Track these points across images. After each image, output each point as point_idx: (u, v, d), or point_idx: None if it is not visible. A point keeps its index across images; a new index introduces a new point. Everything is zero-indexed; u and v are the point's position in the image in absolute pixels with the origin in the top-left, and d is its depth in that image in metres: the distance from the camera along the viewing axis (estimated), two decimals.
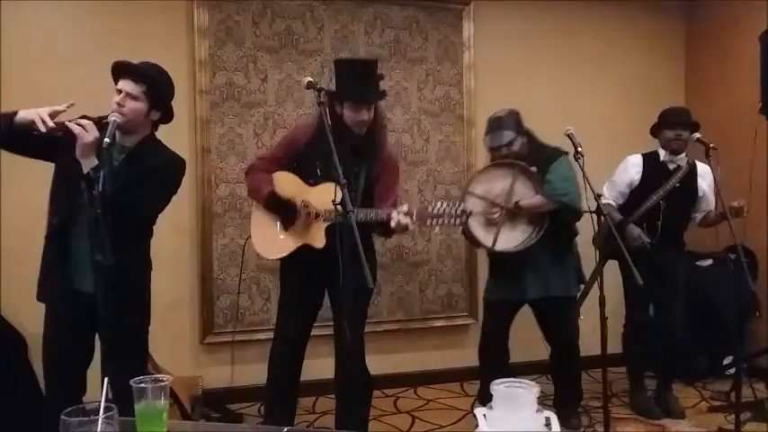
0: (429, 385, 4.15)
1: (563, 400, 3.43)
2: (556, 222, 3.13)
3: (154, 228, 2.48)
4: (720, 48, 4.53)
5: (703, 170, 3.50)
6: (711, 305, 4.10)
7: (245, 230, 3.34)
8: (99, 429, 1.10)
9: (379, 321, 4.07)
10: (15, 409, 2.99)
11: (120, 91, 2.28)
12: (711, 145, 3.15)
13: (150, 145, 2.38)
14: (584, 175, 2.72)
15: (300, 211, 2.67)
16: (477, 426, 1.23)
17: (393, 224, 2.51)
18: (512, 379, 1.25)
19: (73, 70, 3.48)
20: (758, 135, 3.74)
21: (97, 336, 2.15)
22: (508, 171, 3.13)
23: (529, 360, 3.79)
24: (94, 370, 2.05)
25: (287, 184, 2.73)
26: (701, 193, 3.52)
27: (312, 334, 2.88)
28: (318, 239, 2.63)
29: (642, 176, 3.52)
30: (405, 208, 2.53)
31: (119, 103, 2.25)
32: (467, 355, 3.72)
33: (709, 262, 4.22)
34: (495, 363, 3.32)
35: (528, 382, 1.23)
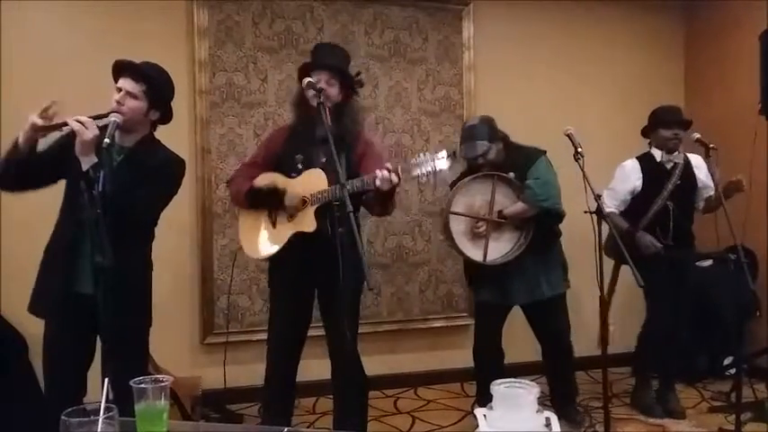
0: (429, 386, 4.15)
1: (561, 397, 3.43)
2: (538, 226, 3.13)
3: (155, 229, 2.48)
4: (720, 48, 4.54)
5: (696, 161, 3.53)
6: (711, 305, 4.10)
7: None
8: (99, 430, 1.10)
9: (380, 322, 4.07)
10: (15, 409, 3.00)
11: (119, 89, 2.28)
12: (711, 145, 3.15)
13: (149, 145, 2.38)
14: (583, 176, 2.72)
15: (286, 194, 2.63)
16: (477, 426, 1.23)
17: (378, 182, 2.47)
18: (512, 379, 1.25)
19: (72, 70, 3.49)
20: (758, 135, 3.74)
21: (98, 337, 2.15)
22: (487, 182, 3.12)
23: (527, 360, 3.78)
24: (95, 371, 2.05)
25: (267, 180, 2.71)
26: (700, 184, 3.53)
27: (312, 334, 2.88)
28: (309, 224, 2.61)
29: (643, 181, 3.51)
30: (388, 165, 2.52)
31: (118, 102, 2.25)
32: (467, 356, 3.71)
33: (709, 262, 4.21)
34: (491, 363, 3.31)
35: (528, 382, 1.23)
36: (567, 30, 4.52)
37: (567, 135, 2.79)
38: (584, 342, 3.44)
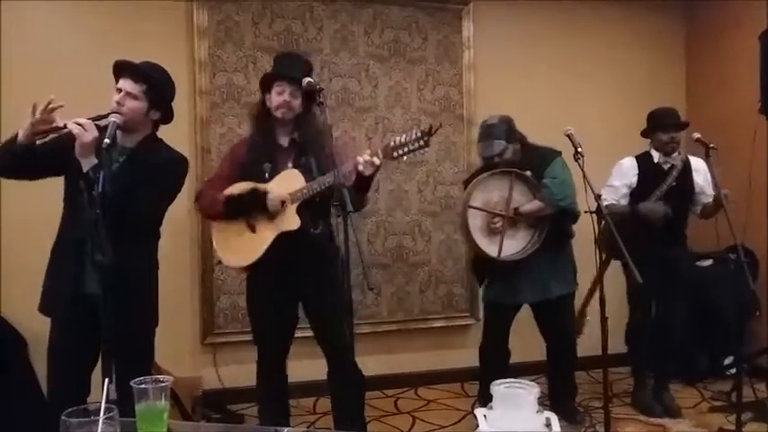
0: (429, 386, 4.15)
1: (561, 397, 3.44)
2: (554, 225, 3.14)
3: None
4: (720, 47, 4.53)
5: (697, 164, 3.52)
6: (712, 305, 4.10)
7: None
8: (99, 430, 1.10)
9: (380, 322, 4.07)
10: (15, 408, 3.00)
11: (119, 90, 2.28)
12: (711, 145, 3.15)
13: (151, 145, 2.38)
14: (583, 176, 2.72)
15: (266, 195, 2.60)
16: (477, 426, 1.23)
17: (361, 167, 2.50)
18: (512, 379, 1.25)
19: (72, 70, 3.48)
20: (758, 135, 3.74)
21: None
22: (504, 179, 3.14)
23: (528, 360, 3.79)
24: (99, 371, 2.05)
25: (240, 188, 2.68)
26: (697, 189, 3.52)
27: (311, 334, 2.88)
28: (292, 222, 2.61)
29: (638, 179, 3.53)
30: (366, 154, 2.54)
31: (118, 102, 2.25)
32: (467, 356, 3.72)
33: (709, 262, 4.22)
34: (496, 363, 3.32)
35: (528, 382, 1.23)
36: (568, 29, 4.51)
37: (568, 135, 2.79)
38: (584, 342, 3.43)
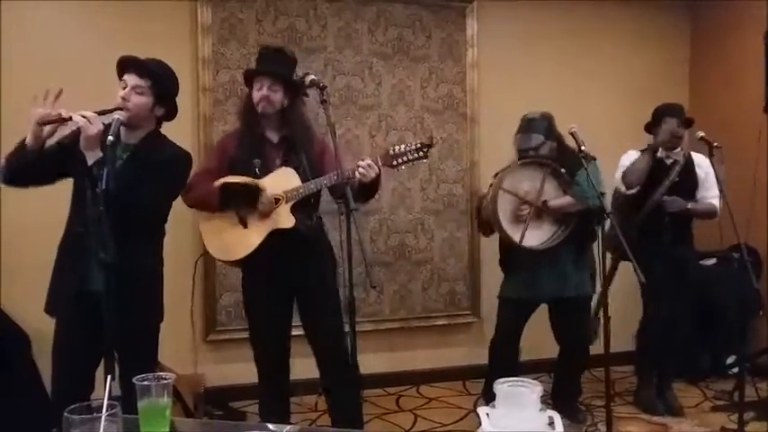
0: (431, 384, 4.15)
1: (565, 395, 3.44)
2: (579, 225, 3.15)
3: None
4: (725, 46, 4.52)
5: (699, 159, 3.52)
6: (715, 304, 4.09)
7: None
8: (102, 427, 1.10)
9: (382, 320, 4.07)
10: (19, 406, 3.00)
11: (124, 86, 2.28)
12: (716, 144, 3.14)
13: (155, 141, 2.38)
14: (587, 175, 2.72)
15: (261, 192, 2.60)
16: (479, 424, 1.23)
17: (359, 175, 2.52)
18: (515, 378, 1.25)
19: (75, 69, 3.47)
20: (762, 134, 3.73)
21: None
22: (539, 170, 3.16)
23: (531, 359, 3.79)
24: (103, 368, 2.05)
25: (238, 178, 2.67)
26: (700, 184, 3.52)
27: None
28: (287, 220, 2.61)
29: None
30: (367, 159, 2.56)
31: (124, 98, 2.25)
32: (469, 354, 3.72)
33: (712, 261, 4.21)
34: (506, 360, 3.33)
35: (531, 381, 1.23)
36: (571, 28, 4.50)
37: (571, 133, 2.79)
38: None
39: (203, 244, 2.79)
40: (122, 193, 2.04)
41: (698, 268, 3.92)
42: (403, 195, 4.12)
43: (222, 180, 2.63)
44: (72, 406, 1.13)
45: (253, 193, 2.61)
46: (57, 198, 2.33)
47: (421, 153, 2.61)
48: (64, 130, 2.22)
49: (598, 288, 3.34)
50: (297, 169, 2.66)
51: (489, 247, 4.08)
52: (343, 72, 4.00)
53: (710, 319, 4.09)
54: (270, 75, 2.68)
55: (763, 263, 4.10)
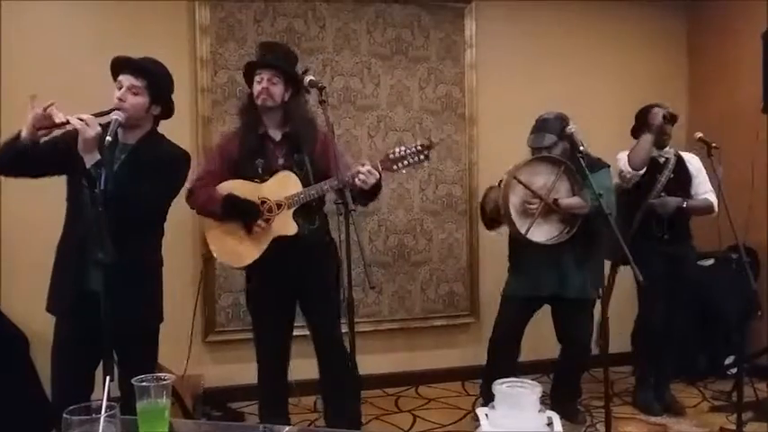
0: (430, 384, 4.15)
1: (564, 396, 3.44)
2: (585, 228, 3.16)
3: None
4: (722, 47, 4.52)
5: (688, 157, 3.56)
6: (713, 305, 4.10)
7: None
8: (101, 428, 1.10)
9: (381, 320, 4.07)
10: (17, 406, 3.00)
11: (120, 86, 2.27)
12: (714, 144, 3.15)
13: (153, 141, 2.37)
14: (586, 175, 2.72)
15: (262, 209, 2.63)
16: (477, 425, 1.23)
17: (359, 181, 2.52)
18: (514, 379, 1.25)
19: (74, 69, 3.48)
20: (760, 134, 3.74)
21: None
22: (553, 167, 3.16)
23: (530, 359, 3.79)
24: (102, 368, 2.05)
25: (237, 189, 2.68)
26: (693, 180, 3.54)
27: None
28: (290, 227, 2.62)
29: None
30: (367, 164, 2.56)
31: (120, 99, 2.24)
32: (468, 354, 3.72)
33: (710, 261, 4.21)
34: (504, 360, 3.32)
35: (530, 381, 1.23)
36: (570, 28, 4.50)
37: (570, 134, 2.79)
38: None
39: (205, 245, 2.79)
40: (121, 193, 2.04)
41: (696, 266, 3.92)
42: (402, 196, 4.12)
43: (222, 190, 2.65)
44: (71, 407, 1.12)
45: (254, 211, 2.62)
46: (56, 200, 2.33)
47: (422, 156, 2.61)
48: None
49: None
50: (300, 169, 2.65)
51: (488, 248, 4.09)
52: (341, 73, 4.00)
53: (709, 320, 4.09)
54: (270, 66, 2.67)
55: (761, 264, 4.11)
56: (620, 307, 3.64)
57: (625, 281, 3.40)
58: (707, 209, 3.49)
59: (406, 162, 2.60)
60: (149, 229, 2.37)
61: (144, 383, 1.26)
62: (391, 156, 2.61)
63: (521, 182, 3.12)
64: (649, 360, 3.67)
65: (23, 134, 2.10)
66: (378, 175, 2.56)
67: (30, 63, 3.46)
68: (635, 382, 3.77)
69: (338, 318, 2.79)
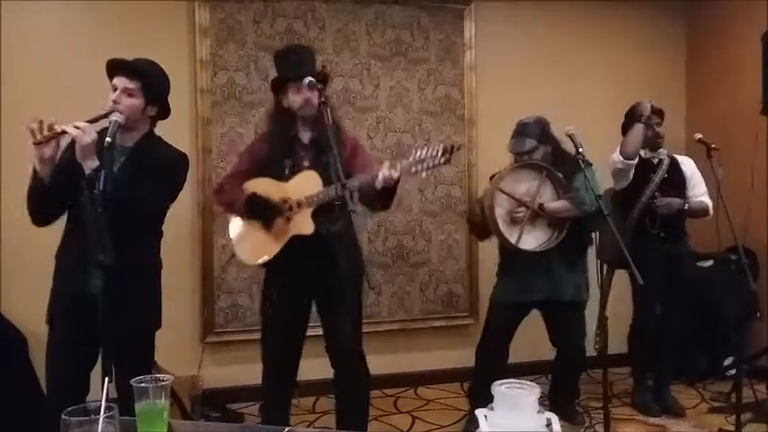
0: (429, 385, 4.16)
1: (562, 398, 3.44)
2: (573, 230, 3.15)
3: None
4: (722, 48, 4.53)
5: (682, 159, 3.58)
6: (712, 306, 4.10)
7: None
8: (99, 429, 1.10)
9: (380, 321, 4.07)
10: (15, 406, 3.00)
11: (115, 88, 2.27)
12: (713, 145, 3.15)
13: (151, 143, 2.37)
14: (584, 176, 2.73)
15: (282, 208, 2.63)
16: (473, 426, 1.23)
17: (380, 180, 2.49)
18: (513, 380, 1.25)
19: (74, 71, 3.47)
20: (759, 135, 3.74)
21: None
22: (536, 173, 3.16)
23: (528, 360, 3.79)
24: (98, 369, 2.04)
25: (261, 186, 2.69)
26: (687, 182, 3.54)
27: (311, 334, 2.87)
28: (307, 226, 2.61)
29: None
30: (387, 164, 2.54)
31: (115, 101, 2.23)
32: (467, 356, 3.70)
33: (710, 262, 4.22)
34: (491, 364, 3.29)
35: (529, 383, 1.23)
36: (569, 29, 4.51)
37: (569, 135, 2.79)
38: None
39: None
40: (120, 196, 2.04)
41: (693, 265, 3.92)
42: (401, 197, 4.11)
43: (247, 188, 2.67)
44: (70, 408, 1.12)
45: (276, 208, 2.63)
46: None
47: (442, 160, 2.53)
48: (63, 144, 2.21)
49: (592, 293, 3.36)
50: (326, 171, 2.64)
51: (487, 249, 4.08)
52: (341, 74, 4.01)
53: (708, 321, 4.10)
54: (307, 77, 2.61)
55: (760, 265, 4.11)
56: (617, 307, 3.64)
57: (620, 281, 3.42)
58: (703, 211, 3.50)
59: (426, 165, 2.54)
60: (148, 232, 2.37)
61: (143, 384, 1.26)
62: (412, 159, 2.58)
63: (504, 192, 3.12)
64: (646, 360, 3.67)
65: (36, 167, 2.11)
66: (397, 176, 2.52)
67: (30, 64, 3.46)
68: (633, 383, 3.77)
69: (356, 320, 2.79)
